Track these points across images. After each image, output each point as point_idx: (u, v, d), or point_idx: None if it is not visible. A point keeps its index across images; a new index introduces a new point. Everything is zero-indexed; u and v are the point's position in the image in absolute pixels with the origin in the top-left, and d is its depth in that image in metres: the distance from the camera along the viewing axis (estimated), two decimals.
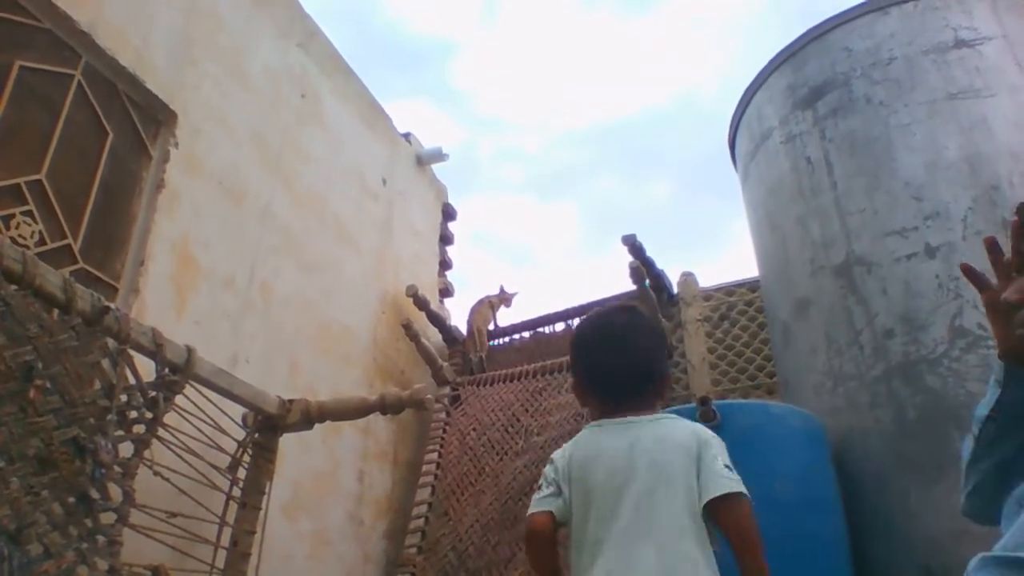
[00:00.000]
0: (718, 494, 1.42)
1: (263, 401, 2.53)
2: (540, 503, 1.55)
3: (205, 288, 2.85)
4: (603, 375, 1.64)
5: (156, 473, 2.15)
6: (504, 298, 4.39)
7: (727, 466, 1.47)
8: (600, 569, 1.41)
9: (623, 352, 1.64)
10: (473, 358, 4.11)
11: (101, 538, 1.88)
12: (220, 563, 2.37)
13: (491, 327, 4.31)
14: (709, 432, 1.55)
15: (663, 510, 1.42)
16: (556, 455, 1.62)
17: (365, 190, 4.08)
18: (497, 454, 3.57)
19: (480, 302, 4.35)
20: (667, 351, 1.74)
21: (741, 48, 16.16)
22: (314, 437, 3.03)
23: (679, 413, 2.42)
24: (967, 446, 1.22)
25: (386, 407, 2.72)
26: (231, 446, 2.49)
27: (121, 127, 2.71)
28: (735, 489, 1.43)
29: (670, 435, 1.52)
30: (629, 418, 1.57)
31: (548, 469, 1.60)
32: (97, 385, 1.95)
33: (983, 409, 1.18)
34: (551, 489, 1.56)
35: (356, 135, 4.10)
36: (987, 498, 1.16)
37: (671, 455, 1.48)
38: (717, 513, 1.42)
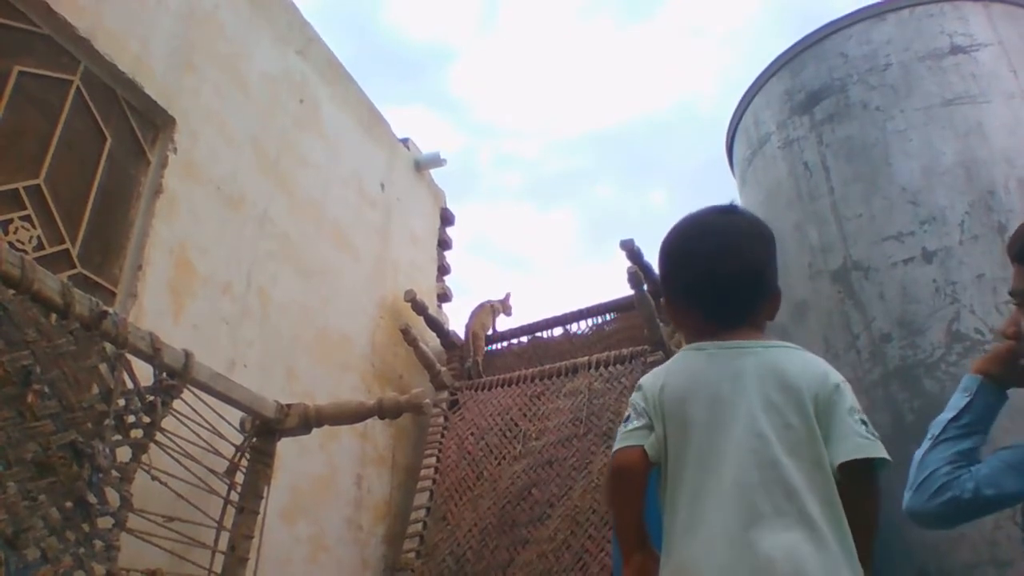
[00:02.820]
0: (851, 457, 1.15)
1: (261, 405, 2.53)
2: (629, 436, 1.25)
3: (203, 293, 2.85)
4: (707, 284, 1.31)
5: (154, 478, 2.15)
6: (506, 305, 4.38)
7: (864, 421, 1.19)
8: (701, 544, 1.12)
9: (732, 255, 1.31)
10: (468, 362, 4.10)
11: (99, 543, 1.88)
12: (218, 568, 2.37)
13: (489, 332, 4.30)
14: (839, 375, 1.25)
15: (782, 467, 1.13)
16: (645, 381, 1.33)
17: (363, 195, 4.09)
18: (495, 459, 3.57)
19: (481, 307, 4.33)
20: (775, 260, 1.36)
21: (740, 57, 16.21)
22: (312, 442, 3.03)
23: None
24: (920, 450, 1.41)
25: (384, 412, 2.72)
26: (229, 451, 2.49)
27: (120, 132, 2.71)
28: (875, 454, 1.16)
29: (793, 370, 1.22)
30: (738, 341, 1.27)
31: (636, 397, 1.31)
32: (95, 390, 1.95)
33: (947, 414, 1.41)
34: (642, 421, 1.26)
35: (354, 141, 4.10)
36: (937, 488, 1.34)
37: (793, 395, 1.19)
38: (844, 479, 1.15)
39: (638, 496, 1.23)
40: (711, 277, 1.31)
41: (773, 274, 1.35)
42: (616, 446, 1.27)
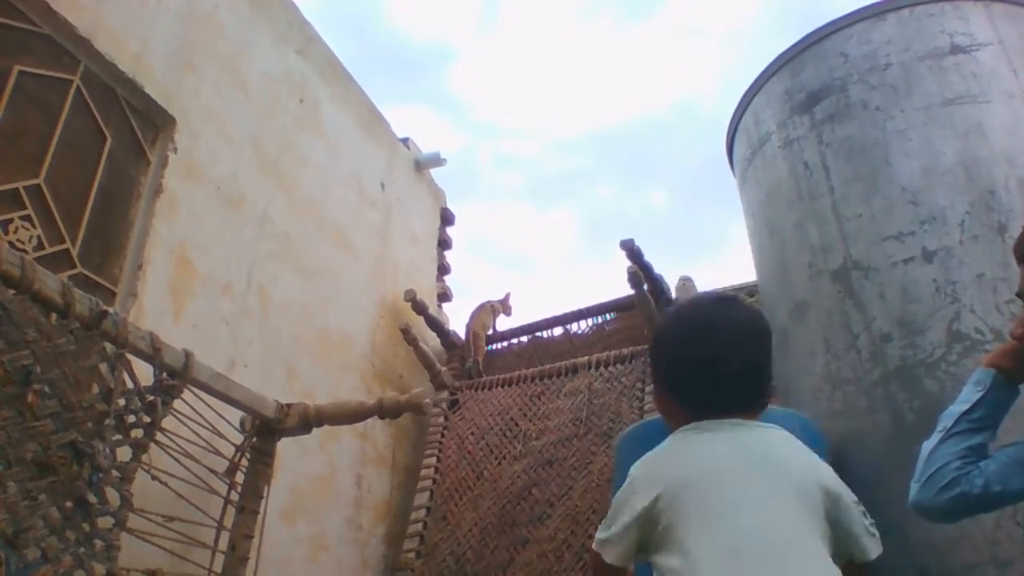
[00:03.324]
0: (866, 559, 1.17)
1: (261, 405, 2.53)
2: (607, 544, 1.22)
3: (203, 293, 2.85)
4: (706, 382, 1.29)
5: (154, 477, 2.15)
6: (506, 305, 4.37)
7: (865, 514, 1.21)
8: None
9: (733, 354, 1.29)
10: (468, 362, 4.10)
11: (99, 542, 1.88)
12: (218, 567, 2.37)
13: (490, 332, 4.30)
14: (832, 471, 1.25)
15: (792, 548, 1.10)
16: (639, 479, 1.24)
17: (363, 195, 4.08)
18: (495, 458, 3.57)
19: (481, 307, 4.33)
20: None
21: (740, 56, 16.22)
22: (312, 442, 3.03)
23: None
24: (930, 443, 1.40)
25: (384, 411, 2.72)
26: (229, 450, 2.49)
27: (120, 132, 2.71)
28: (876, 553, 1.18)
29: (792, 455, 1.22)
30: (735, 420, 1.25)
31: (624, 494, 1.23)
32: (95, 389, 1.95)
33: (958, 407, 1.40)
34: (622, 528, 1.20)
35: (354, 140, 4.10)
36: (946, 483, 1.32)
37: (795, 480, 1.17)
38: (854, 572, 1.17)
39: None
40: (712, 376, 1.28)
41: (770, 368, 1.35)
42: (595, 546, 1.25)
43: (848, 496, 1.21)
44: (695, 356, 1.31)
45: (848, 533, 1.17)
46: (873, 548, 1.19)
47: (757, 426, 1.26)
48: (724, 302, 1.42)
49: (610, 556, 1.21)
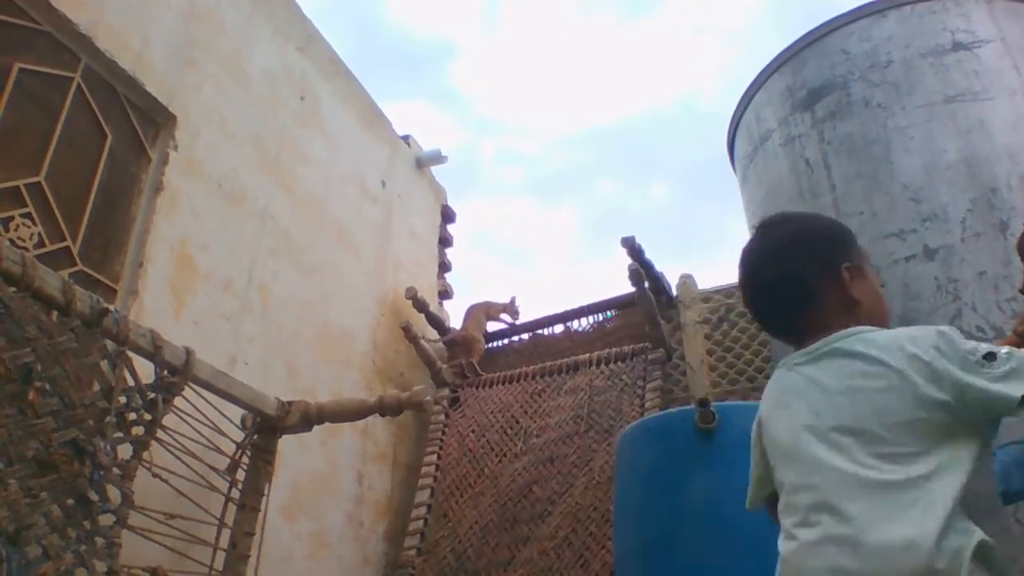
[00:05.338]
0: None
1: (262, 403, 2.53)
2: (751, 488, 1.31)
3: (204, 290, 2.85)
4: (754, 303, 1.34)
5: (155, 475, 2.15)
6: (511, 308, 4.28)
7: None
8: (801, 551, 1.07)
9: (767, 267, 1.31)
10: (463, 363, 4.07)
11: (100, 540, 1.88)
12: (219, 565, 2.37)
13: (485, 332, 4.24)
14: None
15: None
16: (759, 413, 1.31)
17: (364, 192, 4.08)
18: (496, 456, 3.57)
19: (477, 307, 4.26)
20: (830, 249, 1.29)
21: (741, 54, 16.20)
22: (313, 439, 3.03)
23: (679, 414, 2.43)
24: None
25: (385, 409, 2.72)
26: (230, 448, 2.49)
27: (120, 129, 2.71)
28: None
29: (849, 379, 1.13)
30: (800, 352, 1.23)
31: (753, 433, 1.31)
32: (96, 387, 1.95)
33: None
34: (752, 463, 1.30)
35: (355, 138, 4.10)
36: None
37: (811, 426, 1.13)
38: None
39: None
40: (753, 296, 1.34)
41: (817, 271, 1.26)
42: None
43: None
44: (744, 282, 1.36)
45: None
46: None
47: (814, 355, 1.20)
48: (767, 223, 1.39)
49: (750, 496, 1.33)
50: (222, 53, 3.18)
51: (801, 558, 1.06)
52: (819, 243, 1.31)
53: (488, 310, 4.24)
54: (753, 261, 1.34)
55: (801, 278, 1.26)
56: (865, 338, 1.15)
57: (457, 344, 4.15)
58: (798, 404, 1.18)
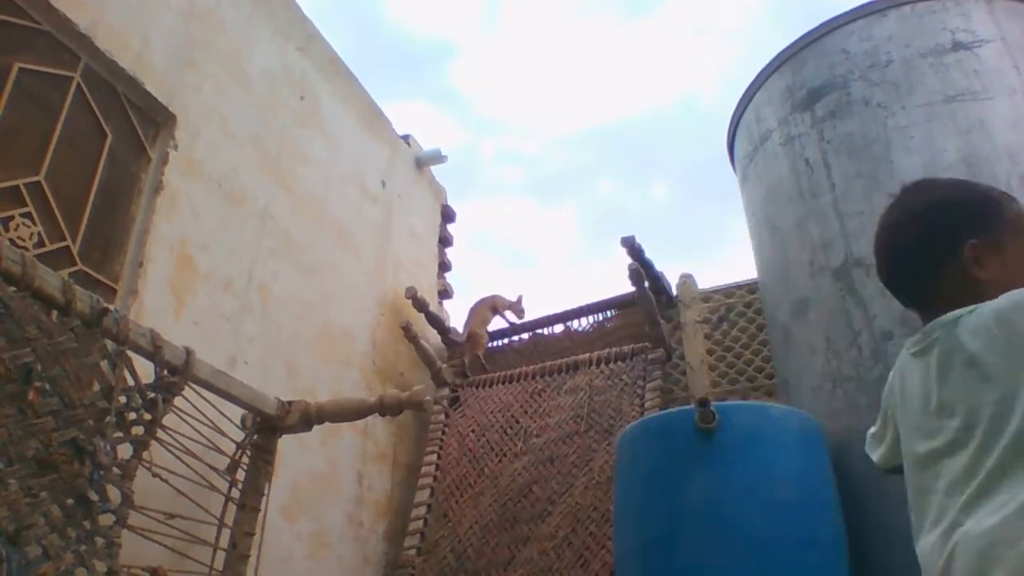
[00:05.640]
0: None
1: (262, 403, 2.53)
2: (868, 443, 1.34)
3: (204, 290, 2.85)
4: (883, 271, 1.32)
5: (155, 475, 2.15)
6: (516, 307, 4.27)
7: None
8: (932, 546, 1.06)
9: (898, 234, 1.27)
10: (468, 359, 4.08)
11: (100, 540, 1.88)
12: (219, 565, 2.37)
13: (488, 328, 4.26)
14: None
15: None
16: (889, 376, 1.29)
17: (364, 192, 4.08)
18: (496, 456, 3.57)
19: (482, 302, 4.26)
20: (967, 219, 1.21)
21: (741, 53, 16.18)
22: (313, 439, 3.03)
23: (679, 414, 2.43)
24: None
25: (385, 409, 2.72)
26: (230, 448, 2.49)
27: (120, 129, 2.71)
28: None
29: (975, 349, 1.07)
30: (929, 327, 1.17)
31: (886, 389, 1.30)
32: (96, 387, 1.95)
33: None
34: (878, 425, 1.31)
35: (355, 137, 4.10)
36: None
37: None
38: None
39: None
40: (883, 263, 1.32)
41: (950, 239, 1.19)
42: None
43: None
44: (876, 252, 1.35)
45: None
46: None
47: (938, 332, 1.15)
48: (906, 189, 1.35)
49: (871, 452, 1.42)
50: (222, 53, 3.18)
51: None
52: (959, 211, 1.24)
53: (495, 303, 4.23)
54: (883, 234, 1.32)
55: (931, 246, 1.22)
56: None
57: (463, 342, 4.15)
58: None
